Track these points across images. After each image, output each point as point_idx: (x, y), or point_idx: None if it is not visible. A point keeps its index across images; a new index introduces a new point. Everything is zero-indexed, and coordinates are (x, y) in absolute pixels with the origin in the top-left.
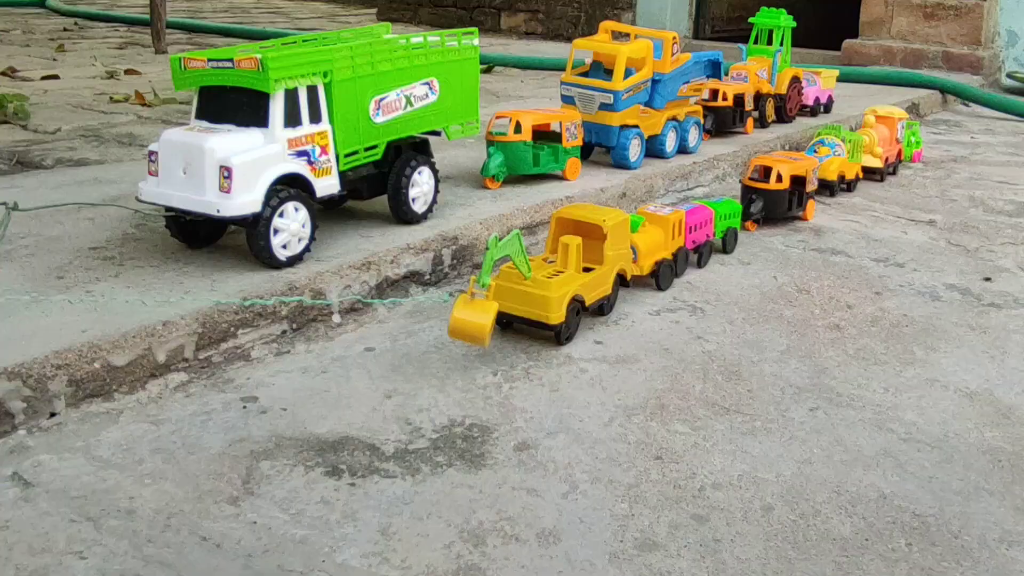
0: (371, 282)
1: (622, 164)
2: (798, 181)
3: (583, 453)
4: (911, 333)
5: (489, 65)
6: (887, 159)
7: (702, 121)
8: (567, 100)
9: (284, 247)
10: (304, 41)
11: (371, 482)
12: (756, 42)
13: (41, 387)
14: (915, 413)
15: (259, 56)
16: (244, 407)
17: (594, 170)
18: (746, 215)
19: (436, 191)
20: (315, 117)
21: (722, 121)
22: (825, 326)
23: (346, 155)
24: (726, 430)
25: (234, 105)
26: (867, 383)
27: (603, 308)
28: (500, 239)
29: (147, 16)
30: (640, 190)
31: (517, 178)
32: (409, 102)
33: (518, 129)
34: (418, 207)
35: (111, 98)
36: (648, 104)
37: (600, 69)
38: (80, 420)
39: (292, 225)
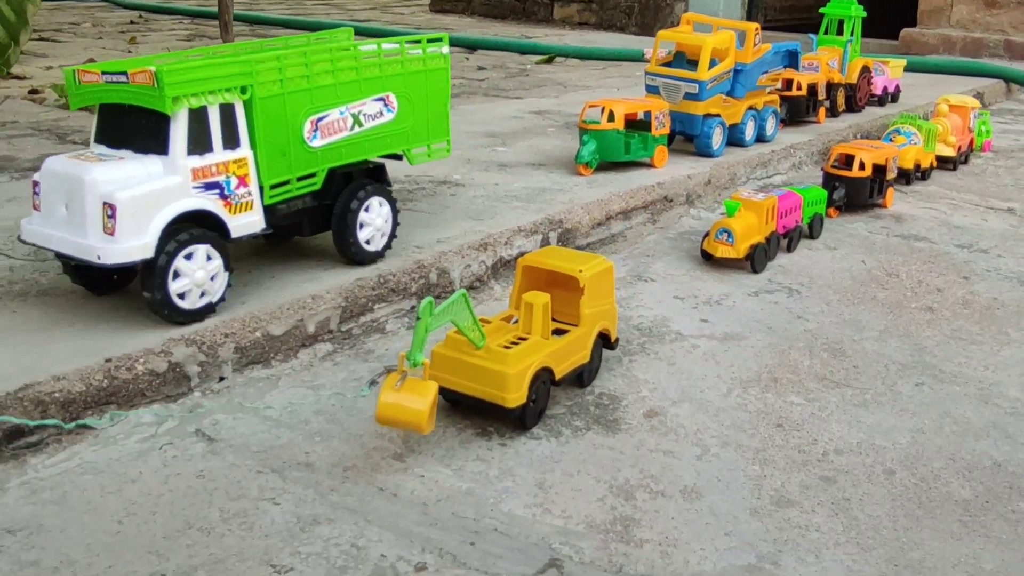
0: (488, 262)
1: (705, 152)
2: (879, 169)
3: (709, 420)
4: (1004, 315)
5: (550, 55)
6: (960, 148)
7: (779, 110)
8: (651, 90)
9: (183, 296)
10: (244, 52)
11: (520, 443)
12: (826, 32)
13: (212, 353)
14: (1018, 390)
15: (153, 69)
16: (381, 381)
17: (678, 158)
18: (828, 202)
19: (395, 224)
20: (231, 141)
21: (796, 110)
22: (918, 308)
23: (273, 186)
24: (839, 402)
25: (133, 128)
26: (967, 361)
27: (581, 378)
28: (435, 303)
29: (207, 8)
30: (723, 177)
31: (607, 165)
32: (357, 121)
33: (611, 118)
34: (369, 245)
35: None
36: (729, 93)
37: (683, 59)
38: (245, 384)
39: (197, 273)
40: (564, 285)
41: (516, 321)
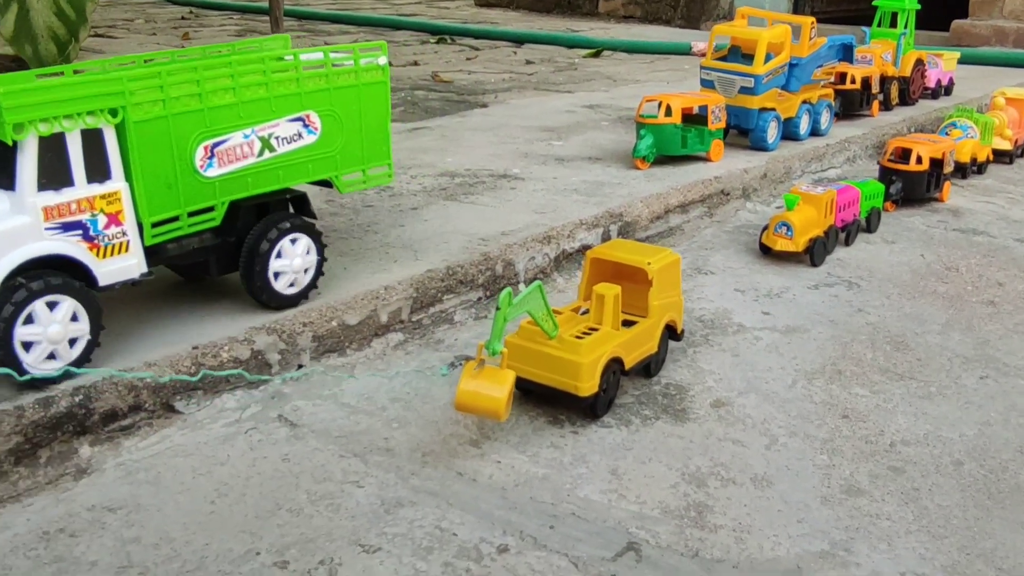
0: (551, 254)
1: (760, 146)
2: (936, 163)
3: (775, 411)
4: None
5: (598, 49)
6: (1017, 141)
7: (833, 104)
8: (706, 84)
9: (52, 357)
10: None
11: (591, 431)
12: (879, 25)
13: (292, 342)
14: None
15: None
16: (460, 364)
17: (733, 152)
18: (885, 196)
19: (321, 261)
20: (99, 173)
21: (849, 103)
22: (980, 302)
23: (156, 224)
24: (904, 394)
25: None
26: None
27: (649, 368)
28: (514, 294)
29: (255, 4)
30: (779, 171)
31: (663, 159)
32: (267, 146)
33: (668, 112)
34: (285, 287)
35: None
36: (784, 87)
37: (738, 53)
38: (322, 372)
39: (51, 329)
40: (631, 277)
41: (585, 312)
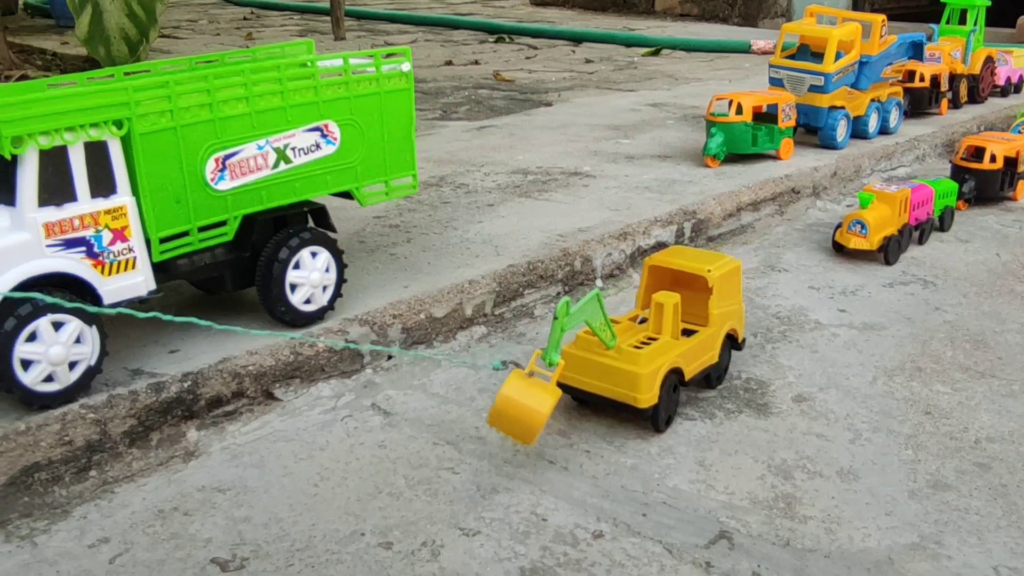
0: (627, 251)
1: (829, 144)
2: (1009, 162)
3: (857, 406)
4: None
5: (656, 48)
6: None
7: (903, 102)
8: (775, 82)
9: (50, 379)
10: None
11: (675, 423)
12: (948, 22)
13: (382, 333)
14: None
15: None
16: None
17: (802, 150)
18: (958, 195)
19: (340, 280)
20: (103, 188)
21: (918, 102)
22: None
23: (164, 239)
24: (986, 392)
25: None
26: None
27: (710, 379)
28: (572, 303)
29: (315, 4)
30: (848, 169)
31: (732, 156)
32: (283, 157)
33: (739, 110)
34: (303, 303)
35: None
36: (854, 86)
37: (807, 52)
38: (411, 363)
39: (53, 350)
40: (690, 285)
41: (643, 321)
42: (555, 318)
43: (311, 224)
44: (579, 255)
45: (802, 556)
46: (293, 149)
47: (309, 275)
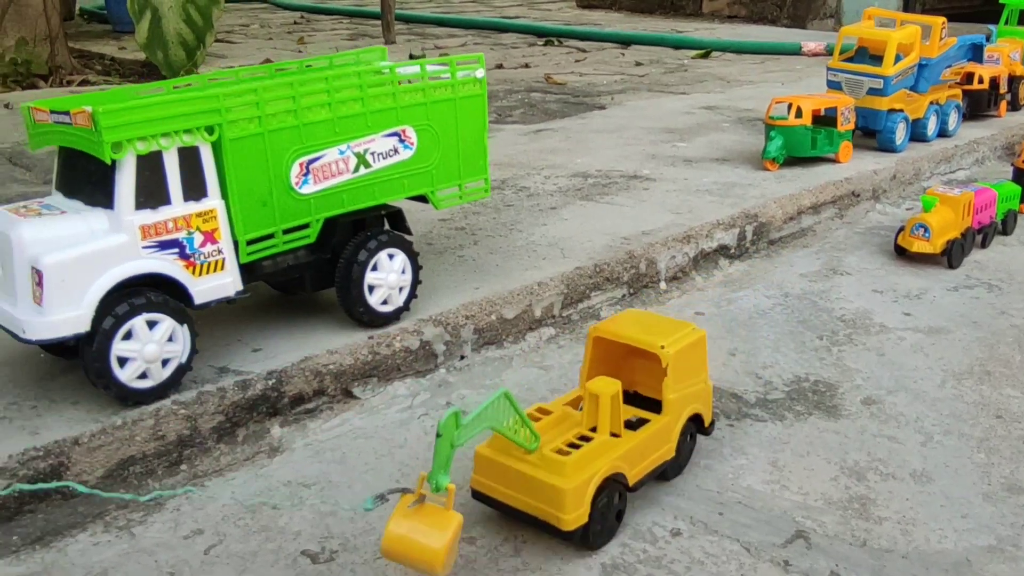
0: (690, 253)
1: (888, 147)
2: None
3: (927, 409)
4: None
5: (706, 50)
6: None
7: (961, 105)
8: (833, 85)
9: (144, 376)
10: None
11: (747, 424)
12: (1007, 23)
13: (455, 334)
14: None
15: (90, 109)
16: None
17: (860, 153)
18: (1021, 198)
19: (415, 282)
20: (195, 191)
21: (976, 104)
22: None
23: (251, 242)
24: None
25: (84, 175)
26: None
27: (666, 473)
28: (461, 415)
29: (364, 8)
30: (908, 173)
31: (791, 160)
32: (363, 161)
33: (798, 114)
34: (380, 304)
35: None
36: (913, 88)
37: (865, 54)
38: (482, 363)
39: (147, 348)
40: (645, 354)
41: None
42: (438, 435)
43: (388, 227)
44: (644, 258)
45: (879, 556)
46: (373, 154)
47: (387, 276)
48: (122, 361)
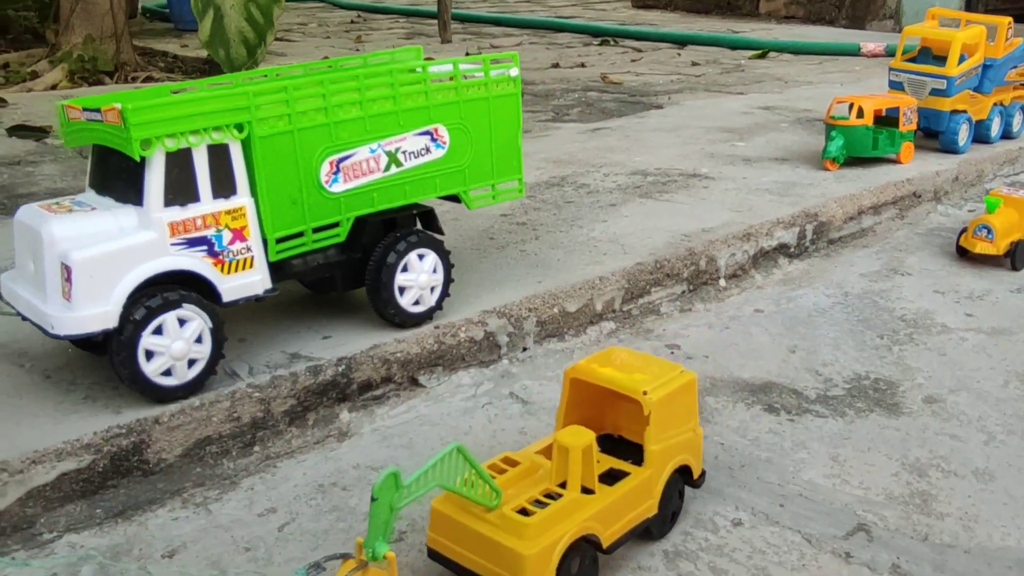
0: (750, 251)
1: (950, 148)
2: None
3: (990, 409)
4: None
5: (763, 50)
6: None
7: None
8: (895, 85)
9: (168, 373)
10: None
11: (807, 419)
12: None
13: (519, 326)
14: None
15: (119, 107)
16: (671, 352)
17: (922, 154)
18: None
19: (448, 281)
20: (224, 189)
21: None
22: None
23: (280, 240)
24: None
25: (115, 172)
26: None
27: (650, 530)
28: (400, 475)
29: (420, 7)
30: (970, 174)
31: (851, 160)
32: (394, 160)
33: (860, 114)
34: (412, 304)
35: None
36: (976, 89)
37: (928, 55)
38: (544, 355)
39: (176, 344)
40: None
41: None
42: (373, 499)
43: (419, 226)
44: (704, 255)
45: (941, 551)
46: (404, 153)
47: (417, 277)
48: (149, 355)
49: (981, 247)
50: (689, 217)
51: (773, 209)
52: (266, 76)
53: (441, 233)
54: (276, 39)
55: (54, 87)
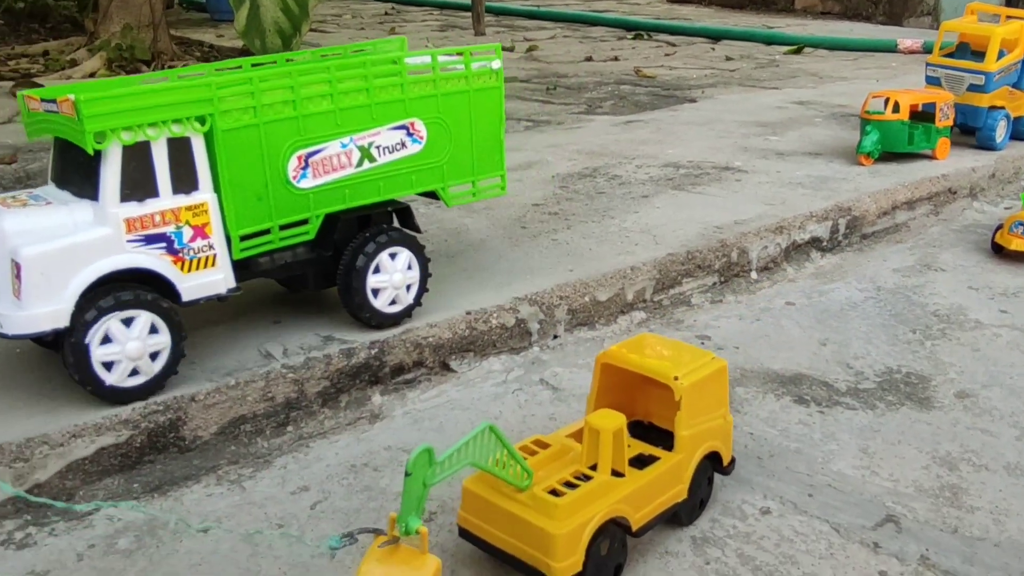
0: (782, 244)
1: (987, 145)
2: None
3: (1022, 404)
4: None
5: (799, 46)
6: None
7: None
8: (932, 81)
9: (134, 373)
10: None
11: (837, 412)
12: None
13: (550, 313)
14: None
15: (73, 98)
16: (702, 343)
17: (958, 150)
18: None
19: (424, 278)
20: (185, 184)
21: None
22: None
23: (245, 237)
24: None
25: (73, 166)
26: None
27: (679, 516)
28: (434, 451)
29: (453, 0)
30: (1007, 171)
31: (886, 155)
32: (367, 155)
33: (896, 108)
34: (388, 305)
35: None
36: (1015, 86)
37: (966, 50)
38: (575, 343)
39: (129, 345)
40: (660, 382)
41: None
42: (407, 473)
43: (396, 223)
44: (736, 247)
45: (971, 543)
46: (378, 147)
47: (391, 277)
48: (108, 366)
49: (1017, 244)
50: (721, 209)
51: (806, 203)
52: (240, 67)
53: (418, 231)
54: (310, 30)
55: (92, 75)
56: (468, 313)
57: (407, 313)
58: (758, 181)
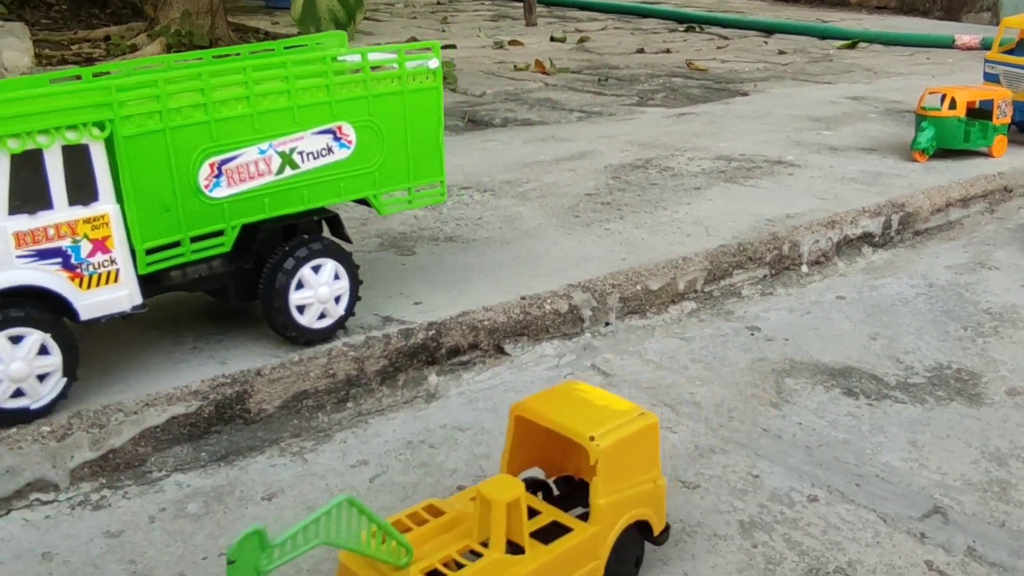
0: (834, 239)
1: None
2: None
3: None
4: None
5: (853, 40)
6: None
7: None
8: (990, 78)
9: (20, 394)
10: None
11: (886, 405)
12: None
13: (602, 301)
14: None
15: None
16: (752, 334)
17: (1015, 148)
18: None
19: (355, 287)
20: (83, 195)
21: None
22: None
23: (151, 251)
24: None
25: None
26: None
27: None
28: (265, 533)
29: None
30: None
31: (941, 152)
32: (289, 162)
33: (952, 105)
34: (317, 320)
35: (515, 66)
36: None
37: None
38: (627, 331)
39: (14, 366)
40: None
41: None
42: (230, 562)
43: (326, 232)
44: (787, 240)
45: (1018, 537)
46: (301, 153)
47: (316, 292)
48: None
49: None
50: (773, 203)
51: (859, 198)
52: (201, 59)
53: (348, 241)
54: (364, 19)
55: None
56: (523, 298)
57: (339, 325)
58: (810, 175)
